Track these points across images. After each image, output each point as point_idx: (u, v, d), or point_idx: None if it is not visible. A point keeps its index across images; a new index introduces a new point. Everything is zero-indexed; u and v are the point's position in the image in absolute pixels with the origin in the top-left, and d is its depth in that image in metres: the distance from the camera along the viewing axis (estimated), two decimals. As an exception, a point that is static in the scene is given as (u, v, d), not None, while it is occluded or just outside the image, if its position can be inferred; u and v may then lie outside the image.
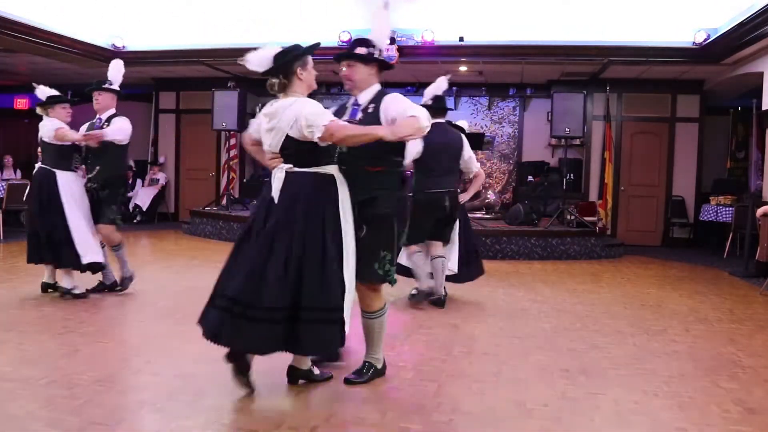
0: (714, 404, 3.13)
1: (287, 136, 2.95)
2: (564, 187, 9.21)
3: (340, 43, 9.05)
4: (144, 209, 11.33)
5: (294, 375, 3.21)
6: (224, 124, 9.77)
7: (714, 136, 10.49)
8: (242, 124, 10.13)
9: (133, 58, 9.77)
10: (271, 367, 3.53)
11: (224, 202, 9.98)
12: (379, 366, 3.37)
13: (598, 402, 3.12)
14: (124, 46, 9.64)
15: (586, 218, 9.00)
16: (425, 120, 3.01)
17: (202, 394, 3.07)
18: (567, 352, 4.00)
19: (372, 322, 3.30)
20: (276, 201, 2.95)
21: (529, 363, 3.73)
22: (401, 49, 8.91)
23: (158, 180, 11.58)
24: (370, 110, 3.22)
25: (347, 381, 3.26)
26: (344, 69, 3.31)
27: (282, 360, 3.13)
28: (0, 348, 3.62)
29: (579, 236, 8.52)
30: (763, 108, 7.84)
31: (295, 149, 2.97)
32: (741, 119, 10.19)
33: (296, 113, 2.91)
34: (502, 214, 9.59)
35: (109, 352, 3.66)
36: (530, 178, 10.44)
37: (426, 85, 12.04)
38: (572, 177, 10.17)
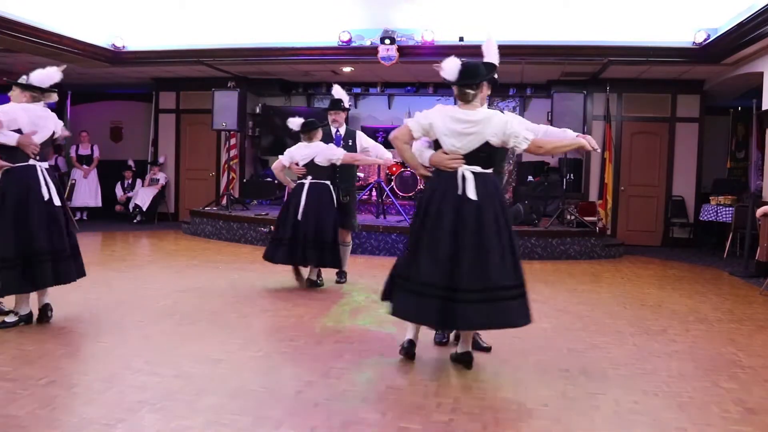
0: (714, 404, 3.13)
1: (486, 142, 3.42)
2: (564, 187, 9.21)
3: (340, 43, 9.07)
4: (144, 209, 11.32)
5: (468, 360, 3.61)
6: (224, 124, 9.77)
7: (714, 136, 10.49)
8: (242, 124, 10.15)
9: (133, 58, 9.81)
10: (273, 367, 3.53)
11: (224, 202, 9.98)
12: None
13: (598, 402, 3.12)
14: (124, 46, 9.64)
15: (586, 218, 9.00)
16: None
17: (202, 394, 3.07)
18: (567, 352, 4.01)
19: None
20: (475, 198, 3.38)
21: (529, 363, 3.74)
22: (401, 49, 8.91)
23: (158, 180, 11.57)
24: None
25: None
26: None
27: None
28: (0, 348, 3.61)
29: (579, 236, 8.53)
30: (763, 108, 7.84)
31: (487, 154, 3.45)
32: (741, 119, 10.19)
33: (503, 125, 3.41)
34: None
35: (109, 352, 3.66)
36: (530, 178, 10.45)
37: (426, 85, 12.11)
38: (572, 177, 10.17)
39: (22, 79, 4.14)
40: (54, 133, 4.34)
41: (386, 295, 3.77)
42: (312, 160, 5.66)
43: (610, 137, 9.64)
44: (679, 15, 8.22)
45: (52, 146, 4.83)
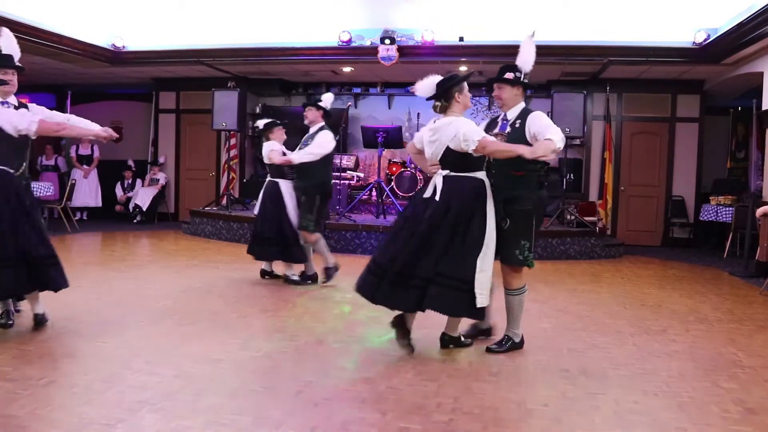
0: (714, 404, 3.13)
1: (447, 148, 3.71)
2: (564, 187, 9.21)
3: (340, 43, 9.07)
4: (144, 209, 11.32)
5: (444, 340, 3.94)
6: (224, 124, 9.77)
7: (714, 136, 10.49)
8: (242, 124, 10.15)
9: (133, 58, 9.81)
10: (273, 367, 3.53)
11: (224, 202, 9.98)
12: (517, 340, 3.98)
13: (598, 402, 3.12)
14: (124, 46, 9.64)
15: (586, 218, 9.00)
16: (560, 142, 3.59)
17: (202, 394, 3.07)
18: (567, 352, 4.01)
19: (512, 299, 3.93)
20: (438, 198, 3.71)
21: (529, 363, 3.74)
22: (401, 49, 8.91)
23: (158, 180, 11.57)
24: (517, 125, 3.82)
25: (489, 350, 3.92)
26: (495, 90, 3.97)
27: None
28: (0, 348, 3.61)
29: (579, 236, 8.53)
30: (763, 108, 7.84)
31: (453, 158, 3.72)
32: (741, 119, 10.19)
33: (456, 130, 3.67)
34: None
35: (109, 352, 3.66)
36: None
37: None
38: (572, 177, 10.18)
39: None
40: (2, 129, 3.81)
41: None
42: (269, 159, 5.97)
43: (610, 137, 9.64)
44: (679, 15, 8.22)
45: (24, 146, 4.05)
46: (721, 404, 3.13)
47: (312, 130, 5.97)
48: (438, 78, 3.80)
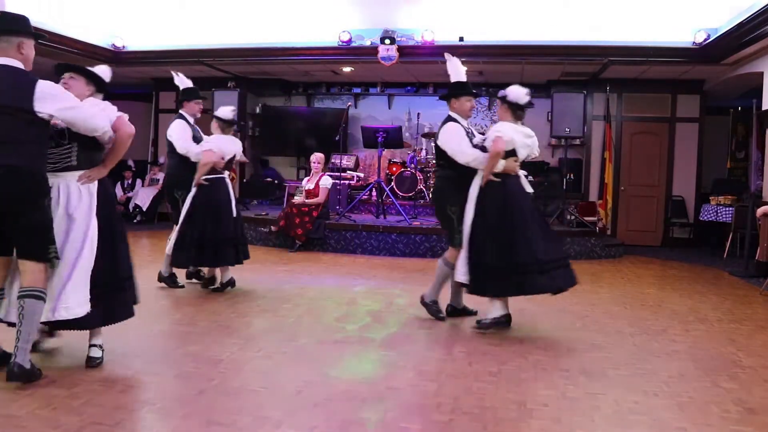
0: (714, 404, 3.13)
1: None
2: (564, 187, 9.21)
3: (340, 43, 9.07)
4: (144, 209, 11.33)
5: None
6: (224, 124, 9.76)
7: (714, 136, 10.49)
8: (242, 124, 10.13)
9: (133, 58, 9.81)
10: (273, 367, 3.53)
11: (224, 202, 9.96)
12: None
13: (598, 402, 3.12)
14: (124, 46, 9.64)
15: (586, 218, 9.00)
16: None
17: (203, 394, 3.07)
18: (567, 352, 4.00)
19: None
20: (528, 191, 4.47)
21: (529, 363, 3.74)
22: (401, 49, 8.91)
23: (158, 180, 11.57)
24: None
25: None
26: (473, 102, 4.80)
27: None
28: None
29: (579, 236, 8.53)
30: (763, 108, 7.84)
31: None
32: (741, 119, 10.18)
33: (535, 139, 4.55)
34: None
35: (109, 352, 3.65)
36: (530, 178, 10.41)
37: (426, 85, 12.11)
38: (572, 177, 10.17)
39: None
40: None
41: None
42: (233, 156, 5.74)
43: (610, 137, 9.64)
44: (679, 15, 8.22)
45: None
46: (721, 404, 3.13)
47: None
48: (524, 90, 4.49)
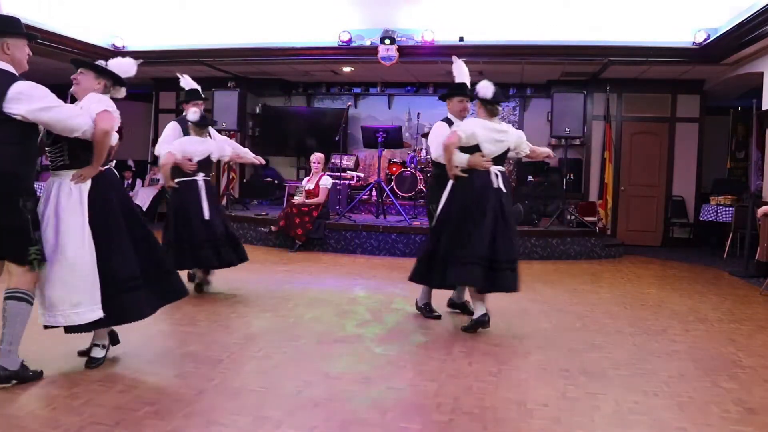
0: (714, 404, 3.13)
1: (508, 149, 4.49)
2: (564, 187, 9.21)
3: (340, 43, 9.07)
4: (144, 209, 11.31)
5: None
6: (224, 124, 9.76)
7: (714, 136, 10.49)
8: (242, 124, 10.15)
9: (133, 58, 9.80)
10: (273, 367, 3.53)
11: (224, 202, 9.97)
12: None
13: (598, 402, 3.12)
14: (124, 46, 9.64)
15: (586, 218, 9.00)
16: None
17: (203, 394, 3.07)
18: (567, 352, 4.00)
19: None
20: (505, 191, 4.41)
21: (529, 363, 3.74)
22: (401, 49, 8.91)
23: (158, 180, 11.54)
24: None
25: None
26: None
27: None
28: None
29: (579, 236, 8.52)
30: (763, 108, 7.84)
31: (503, 157, 4.51)
32: (741, 119, 10.18)
33: (519, 136, 4.57)
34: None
35: (109, 352, 3.65)
36: (530, 178, 10.45)
37: (426, 85, 12.11)
38: (572, 177, 10.17)
39: (100, 64, 3.49)
40: None
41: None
42: (208, 156, 5.42)
43: (610, 137, 9.64)
44: (679, 15, 8.22)
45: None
46: (721, 404, 3.13)
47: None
48: (492, 85, 4.37)
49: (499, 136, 4.37)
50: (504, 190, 4.38)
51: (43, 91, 3.10)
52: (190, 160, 5.30)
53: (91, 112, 3.20)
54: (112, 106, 3.31)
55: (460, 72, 4.85)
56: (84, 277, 3.18)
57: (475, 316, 4.39)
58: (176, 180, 5.30)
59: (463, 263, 4.23)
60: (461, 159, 4.33)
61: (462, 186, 4.40)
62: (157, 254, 3.56)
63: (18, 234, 3.03)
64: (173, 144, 5.39)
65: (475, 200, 4.32)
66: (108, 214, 3.31)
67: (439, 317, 4.77)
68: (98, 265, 3.22)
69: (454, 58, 4.92)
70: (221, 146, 5.57)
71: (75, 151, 3.22)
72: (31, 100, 3.00)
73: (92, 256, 3.21)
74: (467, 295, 4.83)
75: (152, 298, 3.47)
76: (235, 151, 5.88)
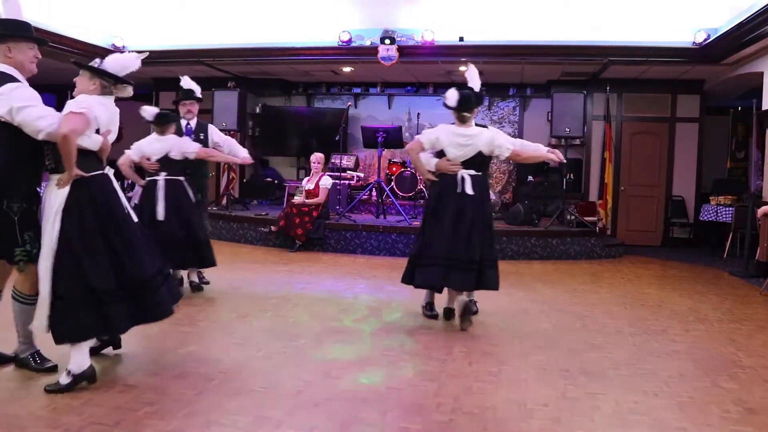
0: (714, 404, 3.13)
1: (479, 152, 4.46)
2: (564, 187, 9.21)
3: (340, 43, 9.07)
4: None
5: (450, 312, 4.73)
6: (224, 124, 9.75)
7: (714, 136, 10.49)
8: (242, 124, 10.15)
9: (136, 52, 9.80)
10: (273, 367, 3.53)
11: (224, 202, 9.98)
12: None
13: (598, 402, 3.12)
14: (124, 46, 9.62)
15: (586, 218, 9.00)
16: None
17: (203, 394, 3.07)
18: (567, 352, 4.00)
19: None
20: (472, 193, 4.43)
21: (529, 363, 3.74)
22: (401, 49, 8.91)
23: (158, 180, 11.57)
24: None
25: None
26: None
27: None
28: (0, 348, 3.61)
29: (579, 236, 8.52)
30: (763, 108, 7.84)
31: (479, 161, 4.51)
32: (741, 119, 10.19)
33: (491, 138, 4.48)
34: (502, 214, 9.59)
35: (109, 352, 3.66)
36: (530, 178, 10.45)
37: (426, 85, 12.12)
38: (572, 177, 10.17)
39: (95, 63, 3.30)
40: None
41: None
42: (166, 155, 5.18)
43: (610, 137, 9.64)
44: (679, 15, 8.22)
45: None
46: (721, 404, 3.13)
47: (193, 123, 5.79)
48: (458, 92, 4.46)
49: (464, 140, 4.45)
50: (471, 193, 4.42)
51: (25, 92, 3.04)
52: (148, 159, 5.20)
53: (63, 113, 3.05)
54: (88, 108, 3.07)
55: (470, 77, 4.89)
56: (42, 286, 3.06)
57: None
58: (146, 179, 5.29)
59: (424, 265, 4.48)
60: (431, 163, 4.57)
61: (431, 189, 4.75)
62: (136, 268, 3.18)
63: (4, 234, 3.05)
64: (133, 145, 5.35)
65: (437, 203, 4.55)
66: (82, 224, 3.07)
67: (436, 317, 4.77)
68: (71, 276, 3.03)
69: (470, 65, 4.96)
70: (181, 144, 5.24)
71: (58, 155, 3.06)
72: (9, 101, 2.96)
73: (47, 270, 3.03)
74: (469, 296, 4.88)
75: (125, 315, 3.16)
76: (228, 149, 5.77)
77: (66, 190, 3.05)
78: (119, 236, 3.16)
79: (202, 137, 5.70)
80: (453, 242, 4.38)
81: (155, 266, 3.31)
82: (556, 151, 4.83)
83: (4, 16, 3.19)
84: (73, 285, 3.02)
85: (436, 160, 4.55)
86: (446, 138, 4.48)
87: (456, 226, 4.40)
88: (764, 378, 3.58)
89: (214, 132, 5.82)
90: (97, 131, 3.16)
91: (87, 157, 3.11)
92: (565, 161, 5.14)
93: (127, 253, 3.16)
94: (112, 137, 3.31)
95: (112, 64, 3.30)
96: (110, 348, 3.63)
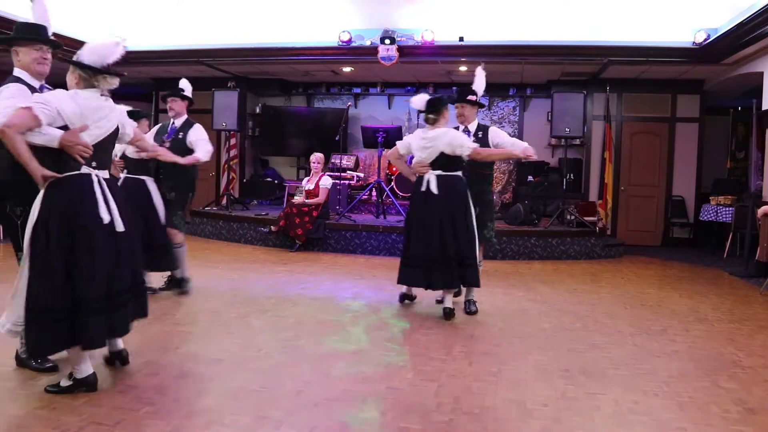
0: (714, 404, 3.13)
1: (441, 153, 4.64)
2: (564, 187, 9.22)
3: (340, 43, 9.07)
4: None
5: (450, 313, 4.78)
6: (224, 124, 9.78)
7: (714, 136, 10.50)
8: (242, 124, 10.15)
9: (133, 58, 9.79)
10: (273, 367, 3.53)
11: (224, 202, 9.98)
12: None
13: (598, 402, 3.12)
14: (124, 46, 9.63)
15: (586, 218, 9.00)
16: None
17: (202, 394, 3.07)
18: (567, 352, 4.00)
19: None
20: (436, 193, 4.65)
21: (529, 363, 3.74)
22: (401, 49, 8.91)
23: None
24: (480, 136, 5.09)
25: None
26: (458, 108, 5.21)
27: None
28: (0, 348, 3.61)
29: (579, 236, 8.52)
30: (763, 108, 7.84)
31: (444, 161, 4.67)
32: (741, 119, 10.19)
33: (451, 139, 4.62)
34: (502, 214, 9.59)
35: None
36: (530, 178, 10.45)
37: (426, 85, 12.10)
38: (572, 177, 10.18)
39: (77, 56, 3.12)
40: (118, 131, 3.26)
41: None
42: (124, 153, 5.01)
43: (610, 137, 9.64)
44: (679, 15, 8.23)
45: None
46: (721, 404, 3.13)
47: (177, 122, 5.55)
48: (427, 96, 4.76)
49: (426, 143, 4.70)
50: (436, 192, 4.65)
51: (4, 92, 3.03)
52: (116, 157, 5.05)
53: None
54: (44, 102, 2.90)
55: (477, 81, 5.23)
56: (19, 290, 2.96)
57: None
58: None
59: (409, 266, 4.80)
60: (411, 167, 4.95)
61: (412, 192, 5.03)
62: (89, 288, 2.92)
63: (11, 237, 3.14)
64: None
65: (410, 205, 5.00)
66: (46, 235, 2.89)
67: (414, 298, 5.22)
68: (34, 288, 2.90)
69: (478, 69, 5.29)
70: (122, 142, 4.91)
71: (38, 155, 2.89)
72: None
73: (24, 274, 2.92)
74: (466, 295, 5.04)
75: (64, 333, 2.92)
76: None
77: (39, 196, 2.91)
78: (83, 250, 2.91)
79: (180, 136, 5.48)
80: (427, 242, 4.65)
81: (124, 282, 3.09)
82: (530, 148, 4.81)
83: (32, 20, 3.22)
84: (32, 298, 2.87)
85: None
86: (414, 142, 4.80)
87: (425, 226, 4.67)
88: (764, 378, 3.58)
89: (192, 131, 5.55)
90: (65, 127, 2.92)
91: (52, 156, 2.89)
92: (536, 158, 5.28)
93: (86, 270, 2.91)
94: (99, 133, 3.05)
95: (87, 54, 3.07)
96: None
